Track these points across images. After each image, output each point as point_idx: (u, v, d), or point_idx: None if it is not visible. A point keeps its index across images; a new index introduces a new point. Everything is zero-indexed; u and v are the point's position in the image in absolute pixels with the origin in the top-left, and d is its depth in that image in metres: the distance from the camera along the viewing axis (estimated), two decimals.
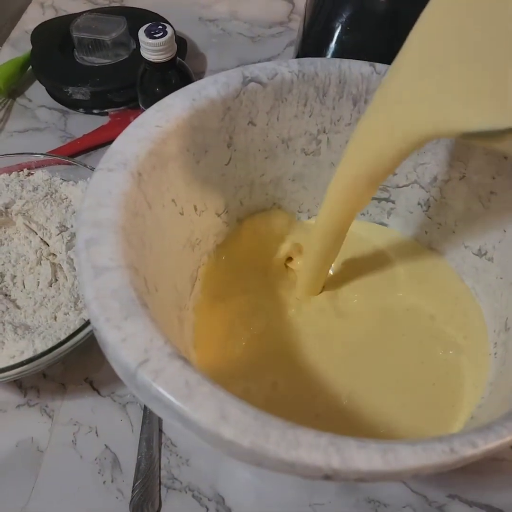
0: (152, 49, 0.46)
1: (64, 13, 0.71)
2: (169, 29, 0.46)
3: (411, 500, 0.37)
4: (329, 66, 0.40)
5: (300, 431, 0.24)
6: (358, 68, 0.40)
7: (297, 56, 0.51)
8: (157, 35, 0.46)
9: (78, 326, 0.37)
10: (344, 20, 0.44)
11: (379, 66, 0.39)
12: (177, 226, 0.39)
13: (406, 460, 0.24)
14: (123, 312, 0.27)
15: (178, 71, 0.49)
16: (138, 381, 0.26)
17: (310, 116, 0.42)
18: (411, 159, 0.43)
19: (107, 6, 0.71)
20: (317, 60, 0.40)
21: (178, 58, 0.49)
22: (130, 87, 0.55)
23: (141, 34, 0.46)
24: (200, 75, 0.63)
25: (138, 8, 0.67)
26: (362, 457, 0.24)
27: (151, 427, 0.40)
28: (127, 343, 0.26)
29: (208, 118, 0.38)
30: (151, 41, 0.46)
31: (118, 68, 0.60)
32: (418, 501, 0.37)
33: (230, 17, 0.72)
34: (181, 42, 0.64)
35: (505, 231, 0.39)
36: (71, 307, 0.40)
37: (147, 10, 0.66)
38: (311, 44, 0.48)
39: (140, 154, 0.33)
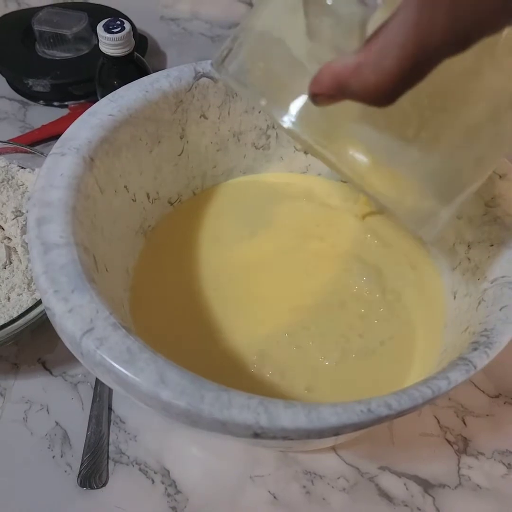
0: (110, 43, 0.48)
1: (26, 7, 0.72)
2: (127, 25, 0.48)
3: (345, 471, 0.40)
4: None
5: (233, 393, 0.26)
6: None
7: None
8: (115, 30, 0.47)
9: (30, 305, 0.39)
10: None
11: None
12: (130, 212, 0.41)
13: (328, 419, 0.26)
14: (71, 285, 0.29)
15: (135, 66, 0.51)
16: (83, 348, 0.27)
17: (259, 112, 0.44)
18: None
19: (69, 1, 0.72)
20: None
21: (136, 53, 0.51)
22: (90, 80, 0.57)
23: (100, 28, 0.48)
24: None
25: (100, 5, 0.68)
26: (288, 416, 0.26)
27: (101, 405, 0.41)
28: (74, 313, 0.28)
29: (161, 110, 0.40)
30: (109, 35, 0.47)
31: (79, 62, 0.62)
32: (351, 472, 0.39)
33: (192, 17, 0.74)
34: (142, 39, 0.65)
35: None
36: (24, 288, 0.41)
37: (109, 7, 0.67)
38: None
39: (93, 140, 0.35)
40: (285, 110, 0.27)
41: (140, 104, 0.38)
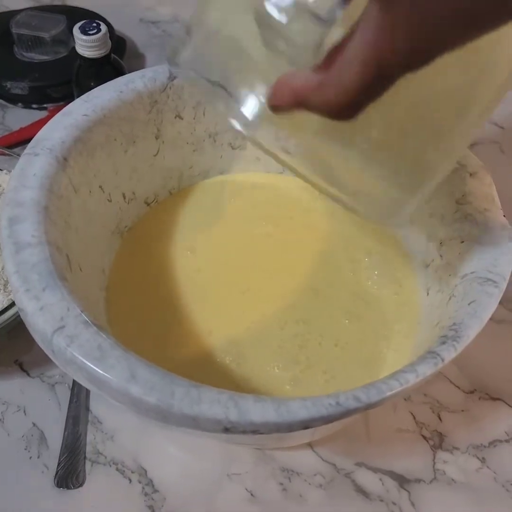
0: (86, 45, 0.48)
1: (5, 9, 0.71)
2: (103, 27, 0.48)
3: (321, 468, 0.40)
4: None
5: (203, 388, 0.27)
6: None
7: None
8: (91, 32, 0.48)
9: (6, 306, 0.38)
10: None
11: None
12: (105, 212, 0.41)
13: (297, 412, 0.26)
14: (42, 283, 0.29)
15: (112, 68, 0.51)
16: (54, 346, 0.27)
17: None
18: None
19: (48, 4, 0.72)
20: None
21: (113, 55, 0.51)
22: (69, 83, 0.57)
23: (76, 30, 0.48)
24: None
25: (79, 8, 0.68)
26: (257, 410, 0.26)
27: (78, 406, 0.41)
28: (44, 311, 0.28)
29: (136, 110, 0.40)
30: (85, 37, 0.47)
31: (57, 65, 0.62)
32: (328, 469, 0.40)
33: (172, 19, 0.74)
34: (120, 41, 0.65)
35: (410, 221, 0.42)
36: (0, 289, 0.41)
37: (88, 10, 0.67)
38: None
39: (66, 141, 0.35)
40: (239, 113, 0.26)
41: (114, 104, 0.38)
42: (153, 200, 0.46)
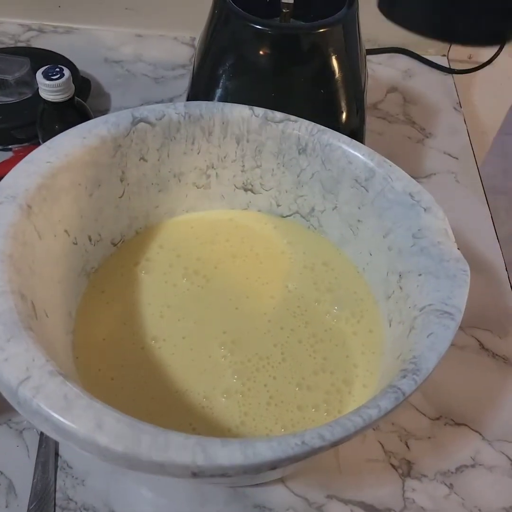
0: (50, 90, 0.49)
1: None
2: (66, 71, 0.49)
3: (293, 502, 0.40)
4: (213, 109, 0.44)
5: (171, 434, 0.27)
6: (239, 111, 0.44)
7: (188, 99, 0.55)
8: (54, 77, 0.48)
9: None
10: (227, 68, 0.48)
11: (257, 109, 0.44)
12: (71, 255, 0.41)
13: (263, 454, 0.27)
14: (7, 334, 0.29)
15: (76, 110, 0.52)
16: (20, 397, 0.28)
17: (198, 153, 0.46)
18: (291, 191, 0.47)
19: (12, 46, 0.73)
20: (202, 103, 0.44)
21: (76, 98, 0.52)
22: (33, 124, 0.57)
23: (39, 75, 0.48)
24: (104, 113, 0.65)
25: (43, 49, 0.69)
26: (224, 454, 0.27)
27: (47, 451, 0.41)
28: (9, 362, 0.28)
29: (100, 155, 0.41)
30: (48, 82, 0.48)
31: (22, 106, 0.62)
32: (300, 503, 0.40)
33: (135, 59, 0.75)
34: (85, 82, 0.66)
35: (371, 255, 0.44)
36: None
37: (52, 51, 0.68)
38: (199, 89, 0.52)
39: (30, 188, 0.36)
40: None
41: (78, 150, 0.39)
42: (120, 240, 0.46)
